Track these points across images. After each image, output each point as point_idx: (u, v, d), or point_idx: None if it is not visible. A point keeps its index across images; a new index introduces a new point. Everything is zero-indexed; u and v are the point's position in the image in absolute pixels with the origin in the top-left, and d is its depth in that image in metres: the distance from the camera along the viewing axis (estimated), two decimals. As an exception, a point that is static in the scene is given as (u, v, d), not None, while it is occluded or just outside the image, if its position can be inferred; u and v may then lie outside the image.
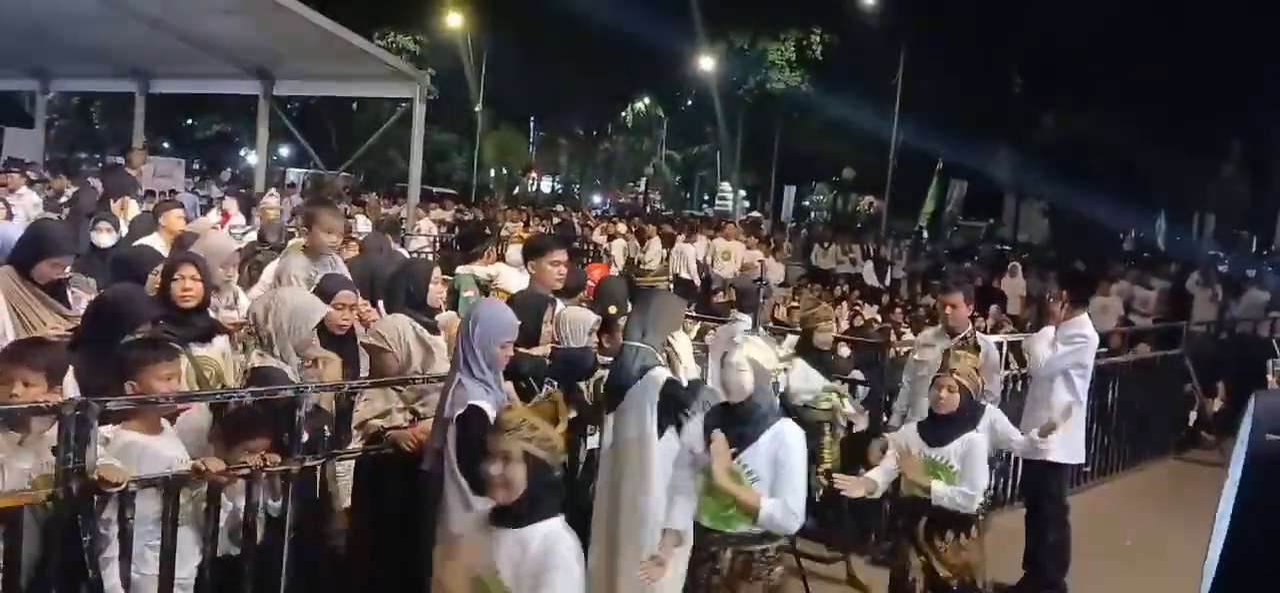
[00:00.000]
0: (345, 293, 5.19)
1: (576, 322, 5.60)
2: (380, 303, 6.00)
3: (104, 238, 7.57)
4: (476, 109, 38.76)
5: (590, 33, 37.85)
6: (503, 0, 36.39)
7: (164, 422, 4.11)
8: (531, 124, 50.57)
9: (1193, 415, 11.61)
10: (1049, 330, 7.02)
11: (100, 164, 38.53)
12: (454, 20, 37.67)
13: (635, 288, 7.77)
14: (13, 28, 18.77)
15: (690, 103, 46.11)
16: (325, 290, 5.20)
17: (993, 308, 17.04)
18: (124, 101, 24.59)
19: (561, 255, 6.16)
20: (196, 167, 42.87)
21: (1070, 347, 6.88)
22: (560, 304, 5.96)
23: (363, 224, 13.66)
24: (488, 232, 10.14)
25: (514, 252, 8.20)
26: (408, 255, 9.28)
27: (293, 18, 15.71)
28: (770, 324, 6.65)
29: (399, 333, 5.11)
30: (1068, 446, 6.93)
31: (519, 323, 4.47)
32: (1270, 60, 26.61)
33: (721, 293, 15.87)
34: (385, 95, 18.88)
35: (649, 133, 50.93)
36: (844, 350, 8.42)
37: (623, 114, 49.22)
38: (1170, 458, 10.86)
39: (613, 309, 5.63)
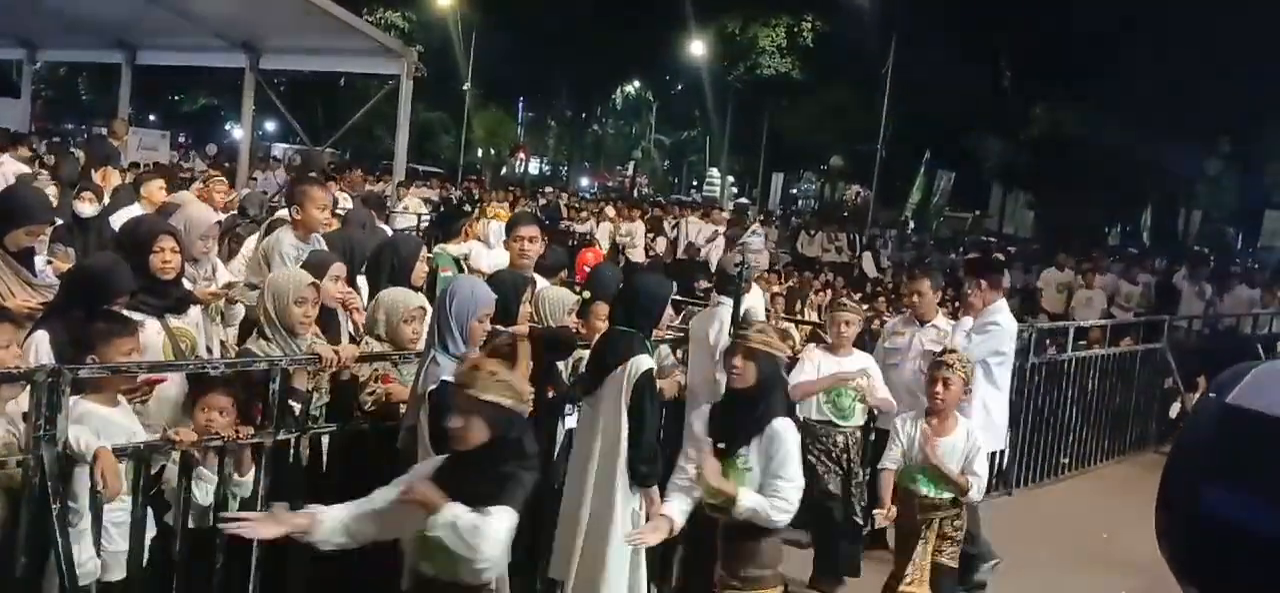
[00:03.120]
0: (336, 266, 5.17)
1: (556, 301, 5.57)
2: (360, 279, 5.96)
3: (86, 208, 7.51)
4: (465, 88, 38.56)
5: (581, 14, 37.80)
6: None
7: (120, 397, 4.09)
8: (520, 105, 50.46)
9: (1174, 409, 11.62)
10: (967, 321, 6.99)
11: (86, 134, 38.40)
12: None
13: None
14: (4, -5, 18.67)
15: (680, 88, 46.05)
16: (313, 265, 5.16)
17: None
18: (111, 73, 24.38)
19: (531, 231, 6.15)
20: (182, 140, 42.73)
21: (984, 335, 6.85)
22: (541, 283, 5.94)
23: (346, 202, 13.51)
24: (466, 208, 10.07)
25: (485, 227, 8.15)
26: (391, 232, 9.23)
27: (281, -10, 15.60)
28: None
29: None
30: (989, 433, 6.88)
31: (495, 298, 4.44)
32: (1258, 57, 26.67)
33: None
34: (372, 71, 18.76)
35: (638, 117, 50.89)
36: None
37: (612, 97, 49.16)
38: (1150, 451, 10.88)
39: (587, 295, 5.61)
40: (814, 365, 6.46)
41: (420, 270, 5.69)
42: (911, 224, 36.86)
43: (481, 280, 4.73)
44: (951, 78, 32.92)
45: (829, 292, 17.12)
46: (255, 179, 19.63)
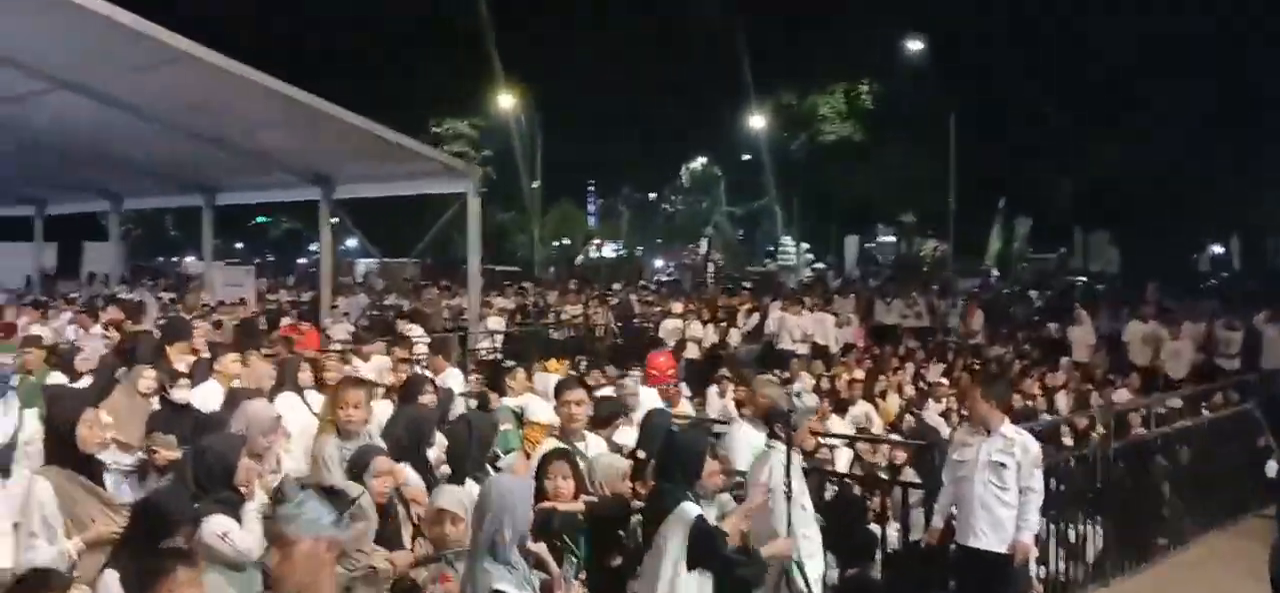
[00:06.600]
0: (379, 461, 5.28)
1: (608, 470, 5.61)
2: (430, 457, 6.07)
3: (181, 394, 7.67)
4: (534, 186, 39.21)
5: (641, 99, 38.40)
6: (556, 71, 36.92)
7: None
8: (589, 192, 51.13)
9: (1271, 467, 11.17)
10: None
11: (176, 267, 39.89)
12: (506, 101, 38.23)
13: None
14: (86, 154, 19.56)
15: (747, 159, 46.32)
16: (359, 463, 5.29)
17: (1064, 361, 16.65)
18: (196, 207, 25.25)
19: (577, 395, 6.27)
20: (269, 258, 44.20)
21: None
22: (594, 445, 6.00)
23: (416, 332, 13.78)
24: (507, 364, 10.05)
25: (541, 379, 8.30)
26: (459, 386, 9.36)
27: (344, 126, 16.05)
28: (802, 450, 6.51)
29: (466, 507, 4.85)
30: None
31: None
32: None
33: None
34: (440, 191, 19.17)
35: (708, 192, 51.17)
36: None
37: (679, 176, 49.66)
38: (1250, 517, 10.45)
39: (641, 455, 5.65)
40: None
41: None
42: (994, 272, 36.44)
43: (520, 477, 4.82)
44: (1015, 123, 32.70)
45: (909, 364, 16.87)
46: (336, 306, 20.12)
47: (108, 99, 16.12)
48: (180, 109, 16.58)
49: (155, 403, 7.54)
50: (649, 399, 8.41)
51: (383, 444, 5.71)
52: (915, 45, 35.48)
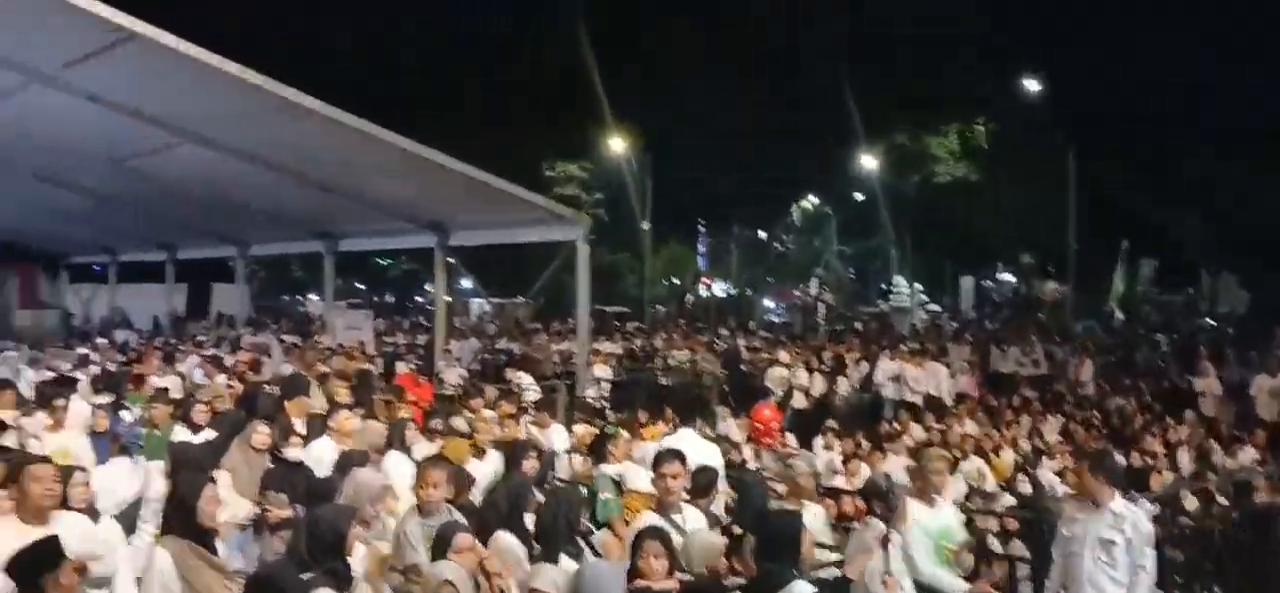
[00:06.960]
0: (461, 537, 5.39)
1: (703, 550, 5.59)
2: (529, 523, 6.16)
3: (295, 452, 7.92)
4: (645, 226, 39.45)
5: (752, 139, 38.45)
6: (666, 111, 37.21)
7: None
8: (699, 232, 51.22)
9: None
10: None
11: (300, 306, 41.30)
12: (617, 144, 38.64)
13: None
14: (215, 203, 20.49)
15: (860, 198, 45.94)
16: (442, 541, 5.40)
17: (1188, 415, 16.00)
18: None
19: (674, 468, 6.24)
20: (386, 300, 45.37)
21: None
22: (693, 520, 6.01)
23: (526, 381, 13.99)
24: (608, 430, 10.00)
25: (640, 448, 8.32)
26: (563, 444, 9.47)
27: (459, 176, 16.48)
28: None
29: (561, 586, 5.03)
30: None
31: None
32: None
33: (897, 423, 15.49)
34: (550, 238, 19.53)
35: (819, 231, 50.80)
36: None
37: (789, 215, 49.45)
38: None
39: (737, 530, 5.66)
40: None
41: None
42: (1118, 314, 35.37)
43: (612, 565, 4.88)
44: (1139, 157, 31.83)
45: (1025, 416, 16.44)
46: (449, 350, 20.56)
47: (236, 152, 16.87)
48: (305, 161, 17.29)
49: (268, 459, 7.84)
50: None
51: (464, 521, 5.83)
52: (1032, 84, 34.88)
